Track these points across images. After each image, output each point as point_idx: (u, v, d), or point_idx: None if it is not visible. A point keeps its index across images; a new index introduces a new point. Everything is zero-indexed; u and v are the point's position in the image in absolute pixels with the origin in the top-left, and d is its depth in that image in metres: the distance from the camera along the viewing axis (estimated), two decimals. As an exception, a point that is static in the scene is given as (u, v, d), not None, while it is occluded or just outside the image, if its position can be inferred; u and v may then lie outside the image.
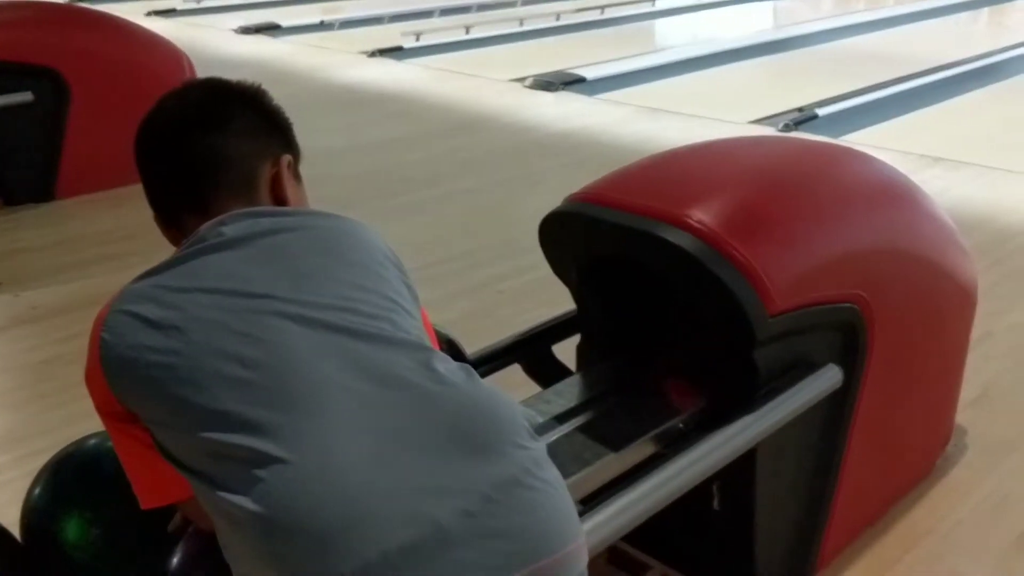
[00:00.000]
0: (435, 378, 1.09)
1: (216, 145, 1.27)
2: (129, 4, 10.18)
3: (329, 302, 1.11)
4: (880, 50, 7.78)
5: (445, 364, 1.13)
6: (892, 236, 1.85)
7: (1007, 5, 10.65)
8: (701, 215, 1.58)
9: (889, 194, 1.93)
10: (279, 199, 1.29)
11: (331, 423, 1.02)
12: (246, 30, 8.47)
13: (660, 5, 10.27)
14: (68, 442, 1.55)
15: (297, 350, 1.07)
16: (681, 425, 1.66)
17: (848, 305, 1.73)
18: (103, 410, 1.16)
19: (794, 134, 5.13)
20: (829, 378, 1.69)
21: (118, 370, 1.10)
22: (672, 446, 1.57)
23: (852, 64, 7.16)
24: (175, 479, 1.09)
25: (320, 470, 0.99)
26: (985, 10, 10.15)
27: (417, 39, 7.87)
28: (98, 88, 4.18)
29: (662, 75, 6.69)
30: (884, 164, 2.05)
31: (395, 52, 7.50)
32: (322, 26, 8.72)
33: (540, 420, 1.64)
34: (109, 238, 3.86)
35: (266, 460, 1.00)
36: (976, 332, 2.92)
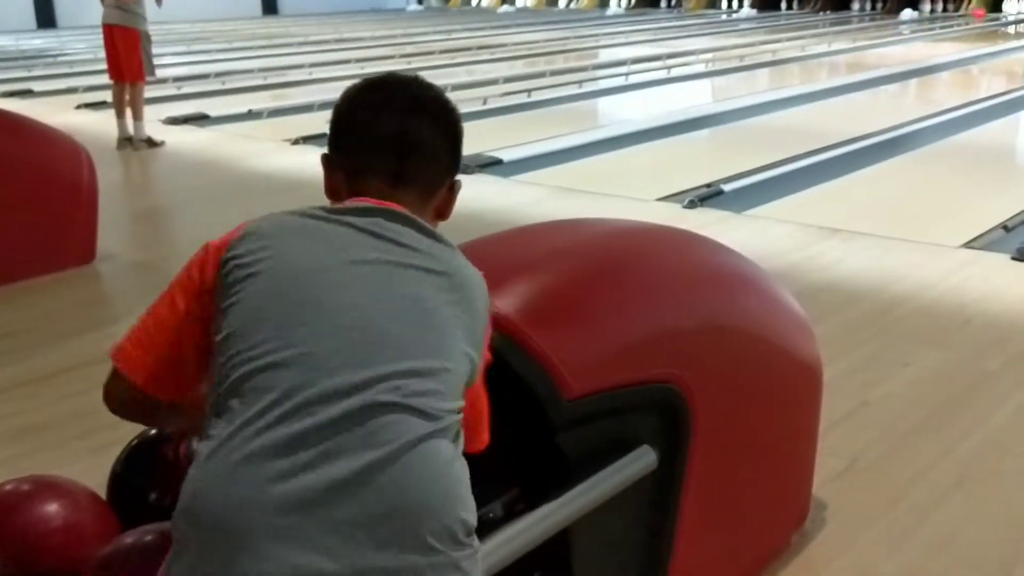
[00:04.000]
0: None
1: (433, 138, 1.41)
2: (61, 98, 10.24)
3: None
4: (788, 126, 8.00)
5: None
6: (710, 316, 1.87)
7: (926, 79, 11.06)
8: (498, 302, 1.57)
9: (711, 276, 1.95)
10: (442, 215, 1.46)
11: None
12: (174, 120, 8.51)
13: (587, 87, 10.51)
14: None
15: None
16: (492, 515, 1.63)
17: (664, 385, 1.74)
18: (186, 276, 1.30)
19: (699, 210, 5.22)
20: (641, 460, 1.68)
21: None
22: (482, 535, 1.54)
23: (762, 140, 7.35)
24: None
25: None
26: (886, 88, 10.48)
27: (343, 126, 7.95)
28: (-12, 184, 4.15)
29: (578, 155, 6.79)
30: (717, 247, 2.08)
31: (320, 139, 7.56)
32: (250, 115, 8.80)
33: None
34: (-4, 335, 3.79)
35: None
36: (851, 402, 2.97)
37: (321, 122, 8.10)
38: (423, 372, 1.22)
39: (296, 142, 7.53)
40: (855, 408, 2.92)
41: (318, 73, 11.69)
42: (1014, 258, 4.24)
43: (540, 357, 1.54)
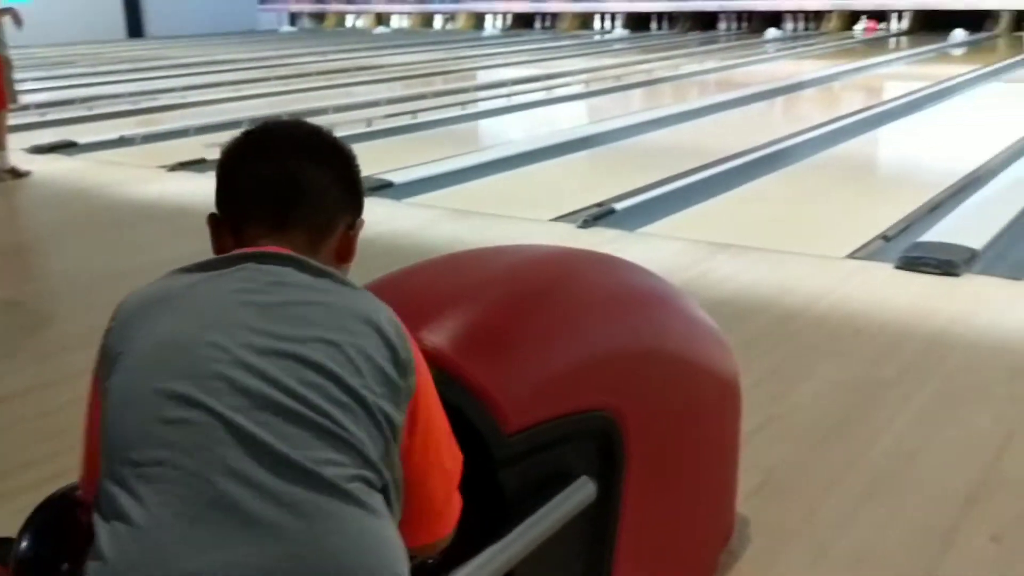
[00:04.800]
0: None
1: (319, 178, 1.33)
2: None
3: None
4: (670, 144, 8.18)
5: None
6: (639, 339, 1.84)
7: (793, 95, 11.50)
8: (430, 335, 1.51)
9: (636, 298, 1.93)
10: (343, 258, 1.37)
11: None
12: (39, 149, 8.08)
13: (470, 109, 10.50)
14: None
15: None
16: (431, 560, 1.55)
17: (598, 413, 1.70)
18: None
19: (592, 229, 5.25)
20: (581, 491, 1.63)
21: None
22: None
23: (646, 159, 7.48)
24: None
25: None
26: (757, 105, 10.83)
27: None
28: None
29: (469, 177, 6.75)
30: (634, 268, 2.06)
31: (197, 165, 7.29)
32: (122, 141, 8.43)
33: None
34: None
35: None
36: (760, 416, 3.00)
37: (198, 147, 7.89)
38: (324, 435, 1.11)
39: (173, 168, 7.24)
40: (765, 421, 2.95)
41: (192, 96, 11.33)
42: (897, 267, 4.40)
43: (478, 391, 1.48)
